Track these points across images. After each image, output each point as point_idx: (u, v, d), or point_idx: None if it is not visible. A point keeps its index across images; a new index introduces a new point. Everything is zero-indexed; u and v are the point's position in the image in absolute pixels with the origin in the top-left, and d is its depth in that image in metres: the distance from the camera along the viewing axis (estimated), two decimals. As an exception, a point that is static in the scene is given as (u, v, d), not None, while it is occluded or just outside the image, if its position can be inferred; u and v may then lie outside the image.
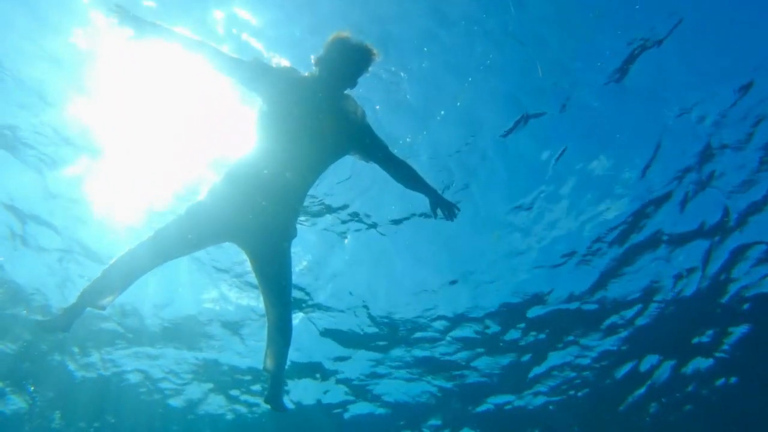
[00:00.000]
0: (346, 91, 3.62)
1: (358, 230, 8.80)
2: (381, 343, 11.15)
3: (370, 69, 3.53)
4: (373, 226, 8.72)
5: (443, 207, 3.75)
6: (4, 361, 11.65)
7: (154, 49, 3.64)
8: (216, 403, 13.36)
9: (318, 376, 12.19)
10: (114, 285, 3.32)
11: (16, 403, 13.06)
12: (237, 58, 3.59)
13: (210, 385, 12.69)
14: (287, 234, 3.68)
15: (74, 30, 6.19)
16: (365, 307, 10.26)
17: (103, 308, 3.35)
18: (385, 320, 10.58)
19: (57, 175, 7.85)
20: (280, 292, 3.74)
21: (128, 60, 6.39)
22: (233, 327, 10.79)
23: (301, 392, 12.77)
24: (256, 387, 12.61)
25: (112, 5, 3.21)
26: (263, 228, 3.55)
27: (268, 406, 3.98)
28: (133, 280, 3.38)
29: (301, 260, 9.22)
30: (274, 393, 3.98)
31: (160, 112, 7.12)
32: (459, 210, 3.76)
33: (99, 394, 12.85)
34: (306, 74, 3.64)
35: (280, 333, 3.82)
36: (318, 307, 10.22)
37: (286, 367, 4.02)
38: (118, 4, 3.21)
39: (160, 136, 7.45)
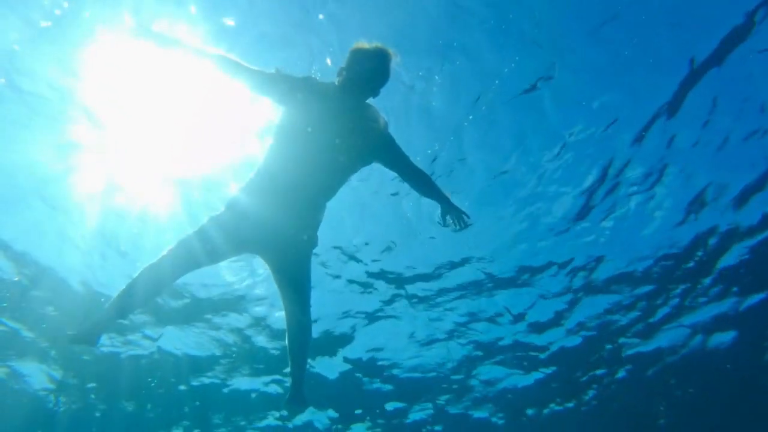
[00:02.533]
0: (368, 101, 3.57)
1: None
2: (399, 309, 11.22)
3: (391, 72, 3.45)
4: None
5: (453, 214, 3.76)
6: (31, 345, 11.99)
7: (177, 61, 3.60)
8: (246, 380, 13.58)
9: (338, 349, 12.34)
10: (138, 299, 3.36)
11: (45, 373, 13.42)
12: (264, 71, 3.53)
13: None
14: (309, 244, 3.70)
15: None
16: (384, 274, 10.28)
17: (125, 319, 3.44)
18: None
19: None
20: (300, 296, 3.78)
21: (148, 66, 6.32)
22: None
23: (324, 366, 12.97)
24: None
25: (135, 26, 3.17)
26: (285, 239, 3.56)
27: (290, 408, 4.00)
28: (157, 293, 3.44)
29: (325, 234, 9.20)
30: (296, 394, 4.00)
31: (174, 119, 7.08)
32: (469, 218, 3.76)
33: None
34: (327, 83, 3.59)
35: (300, 334, 3.88)
36: (338, 279, 10.29)
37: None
38: (140, 24, 3.17)
39: (177, 143, 7.45)
